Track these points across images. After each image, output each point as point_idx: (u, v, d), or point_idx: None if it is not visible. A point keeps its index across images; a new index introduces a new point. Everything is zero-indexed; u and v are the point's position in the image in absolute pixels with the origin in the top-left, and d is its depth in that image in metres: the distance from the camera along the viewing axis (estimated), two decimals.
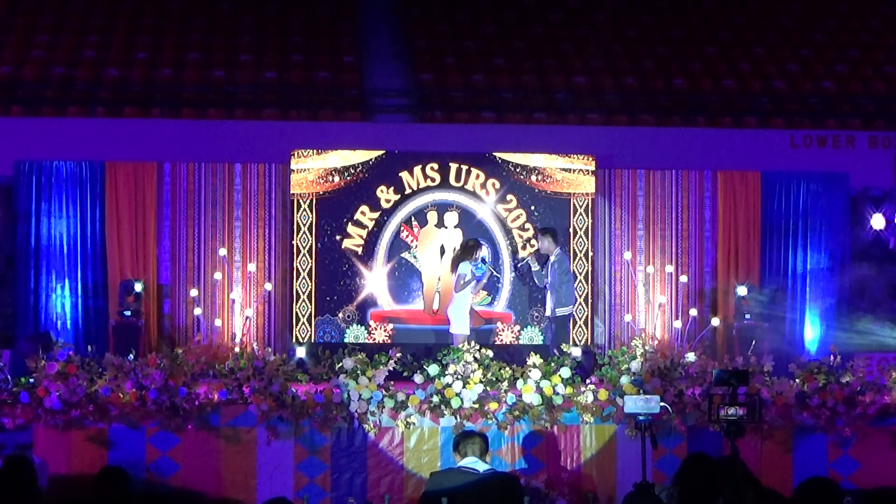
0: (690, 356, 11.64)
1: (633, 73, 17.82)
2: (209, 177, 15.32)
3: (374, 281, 14.80)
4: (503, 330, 14.79)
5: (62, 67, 16.97)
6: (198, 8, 18.87)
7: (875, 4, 20.01)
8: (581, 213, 14.98)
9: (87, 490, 8.89)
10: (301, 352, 14.35)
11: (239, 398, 10.94)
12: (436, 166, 14.92)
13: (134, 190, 15.19)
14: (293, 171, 14.76)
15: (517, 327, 14.82)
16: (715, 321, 15.09)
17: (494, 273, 14.57)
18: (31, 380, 10.84)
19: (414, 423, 11.07)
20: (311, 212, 14.76)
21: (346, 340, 14.26)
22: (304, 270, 14.74)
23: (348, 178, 14.83)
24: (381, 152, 14.93)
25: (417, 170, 14.89)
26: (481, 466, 8.74)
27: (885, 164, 16.07)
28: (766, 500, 7.58)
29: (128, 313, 14.54)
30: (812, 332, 15.69)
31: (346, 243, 14.82)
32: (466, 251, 13.64)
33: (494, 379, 11.16)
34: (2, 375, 10.99)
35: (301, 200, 14.77)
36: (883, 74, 18.08)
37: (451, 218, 14.89)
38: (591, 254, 15.01)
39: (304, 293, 14.73)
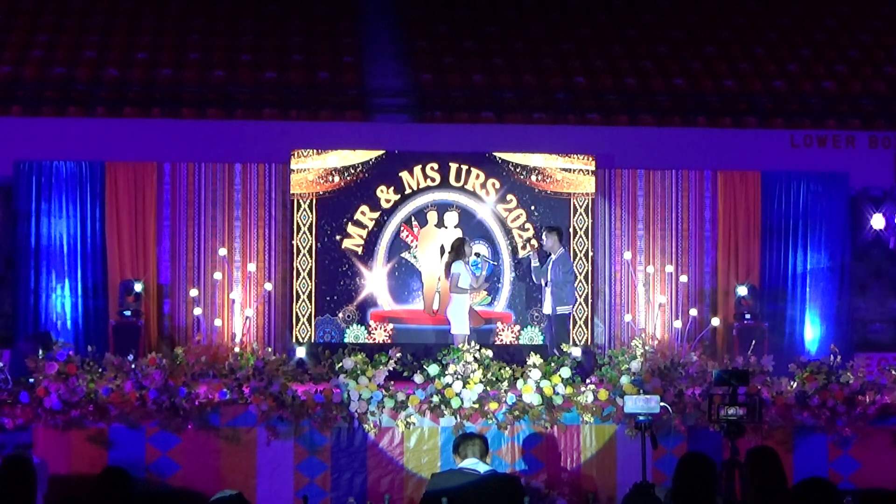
0: (691, 356, 11.66)
1: (633, 73, 17.81)
2: (209, 177, 15.32)
3: (374, 281, 14.80)
4: (503, 330, 14.80)
5: (62, 67, 16.97)
6: (198, 8, 18.87)
7: (875, 4, 20.01)
8: (581, 213, 14.99)
9: (87, 490, 8.89)
10: (301, 352, 14.35)
11: (239, 398, 10.95)
12: (436, 166, 14.92)
13: (134, 190, 15.19)
14: (293, 171, 14.76)
15: (517, 327, 14.81)
16: (715, 321, 15.08)
17: (492, 262, 14.59)
18: (31, 380, 10.85)
19: (414, 423, 11.08)
20: (311, 212, 14.76)
21: (346, 340, 14.27)
22: (304, 270, 14.75)
23: (348, 178, 14.84)
24: (381, 152, 14.93)
25: (417, 170, 14.89)
26: (482, 468, 8.74)
27: (885, 164, 16.07)
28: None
29: (128, 313, 14.54)
30: (812, 332, 15.68)
31: (346, 243, 14.82)
32: (456, 252, 13.66)
33: (494, 379, 11.17)
34: (2, 375, 11.00)
35: (301, 200, 14.77)
36: (883, 74, 18.07)
37: (451, 218, 14.89)
38: (591, 254, 15.01)
39: (304, 293, 14.73)
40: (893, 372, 11.67)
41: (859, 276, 16.11)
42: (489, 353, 11.44)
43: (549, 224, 14.37)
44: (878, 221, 15.78)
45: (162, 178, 15.26)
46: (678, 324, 15.11)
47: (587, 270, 14.97)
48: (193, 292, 14.87)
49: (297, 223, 14.76)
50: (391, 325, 14.76)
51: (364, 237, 14.84)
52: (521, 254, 14.79)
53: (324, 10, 19.10)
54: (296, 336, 14.68)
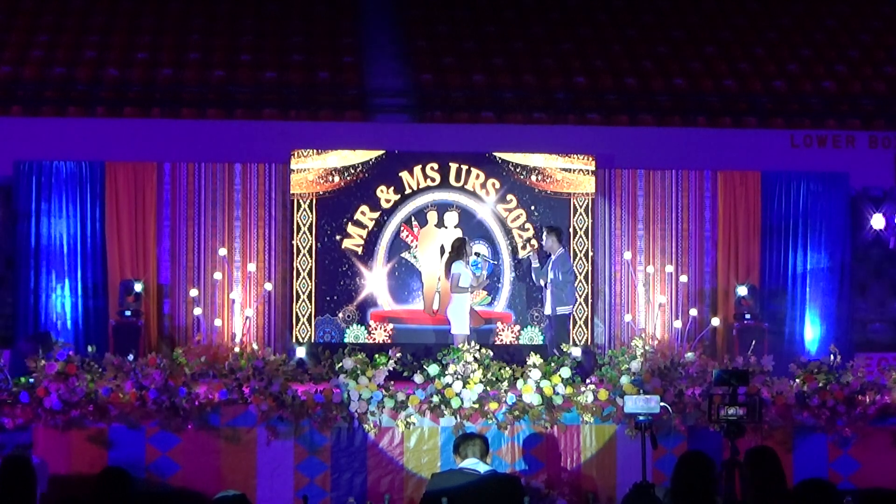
0: (690, 356, 11.65)
1: (633, 73, 17.82)
2: (209, 177, 15.31)
3: (374, 281, 14.80)
4: (503, 330, 14.79)
5: (62, 67, 16.97)
6: (198, 8, 18.87)
7: (875, 4, 20.01)
8: (581, 213, 14.99)
9: (87, 490, 8.88)
10: (301, 352, 14.36)
11: (239, 398, 10.95)
12: (436, 166, 14.92)
13: (134, 190, 15.18)
14: (293, 171, 14.76)
15: (517, 327, 14.81)
16: (715, 321, 15.09)
17: (492, 262, 14.60)
18: (31, 380, 10.85)
19: (414, 423, 11.08)
20: (311, 212, 14.76)
21: (346, 340, 14.27)
22: (304, 270, 14.75)
23: (348, 178, 14.84)
24: (381, 152, 14.93)
25: (417, 170, 14.89)
26: (482, 468, 8.74)
27: (885, 164, 16.07)
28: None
29: (128, 313, 14.54)
30: (812, 332, 15.68)
31: (346, 243, 14.82)
32: (456, 251, 13.68)
33: (494, 379, 11.17)
34: (2, 375, 11.00)
35: (301, 200, 14.77)
36: (883, 74, 18.07)
37: (451, 218, 14.89)
38: (591, 254, 15.01)
39: (304, 293, 14.73)
40: (893, 372, 11.67)
41: (859, 277, 16.11)
42: (489, 353, 11.45)
43: (549, 224, 14.38)
44: (878, 221, 15.78)
45: (162, 178, 15.26)
46: (678, 324, 15.11)
47: (587, 270, 14.97)
48: (193, 292, 14.87)
49: (297, 223, 14.76)
50: (391, 325, 14.76)
51: (364, 237, 14.84)
52: (522, 254, 14.79)
53: (324, 10, 19.11)
54: (296, 336, 14.68)
